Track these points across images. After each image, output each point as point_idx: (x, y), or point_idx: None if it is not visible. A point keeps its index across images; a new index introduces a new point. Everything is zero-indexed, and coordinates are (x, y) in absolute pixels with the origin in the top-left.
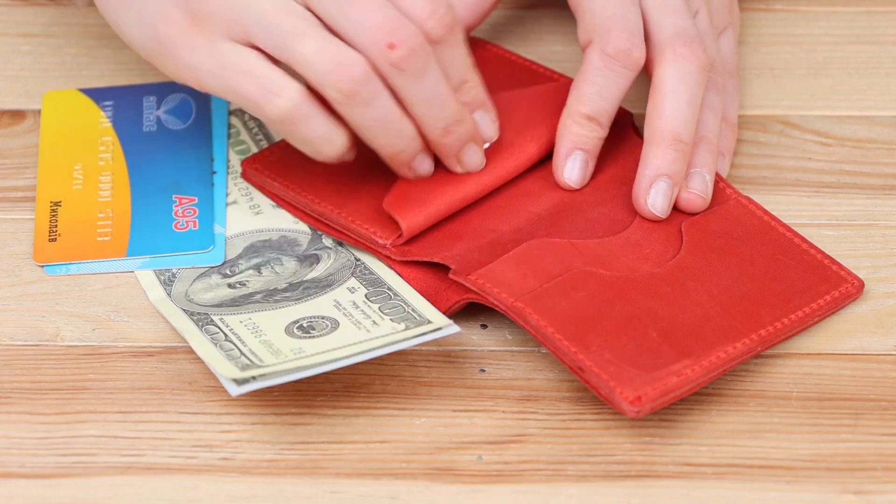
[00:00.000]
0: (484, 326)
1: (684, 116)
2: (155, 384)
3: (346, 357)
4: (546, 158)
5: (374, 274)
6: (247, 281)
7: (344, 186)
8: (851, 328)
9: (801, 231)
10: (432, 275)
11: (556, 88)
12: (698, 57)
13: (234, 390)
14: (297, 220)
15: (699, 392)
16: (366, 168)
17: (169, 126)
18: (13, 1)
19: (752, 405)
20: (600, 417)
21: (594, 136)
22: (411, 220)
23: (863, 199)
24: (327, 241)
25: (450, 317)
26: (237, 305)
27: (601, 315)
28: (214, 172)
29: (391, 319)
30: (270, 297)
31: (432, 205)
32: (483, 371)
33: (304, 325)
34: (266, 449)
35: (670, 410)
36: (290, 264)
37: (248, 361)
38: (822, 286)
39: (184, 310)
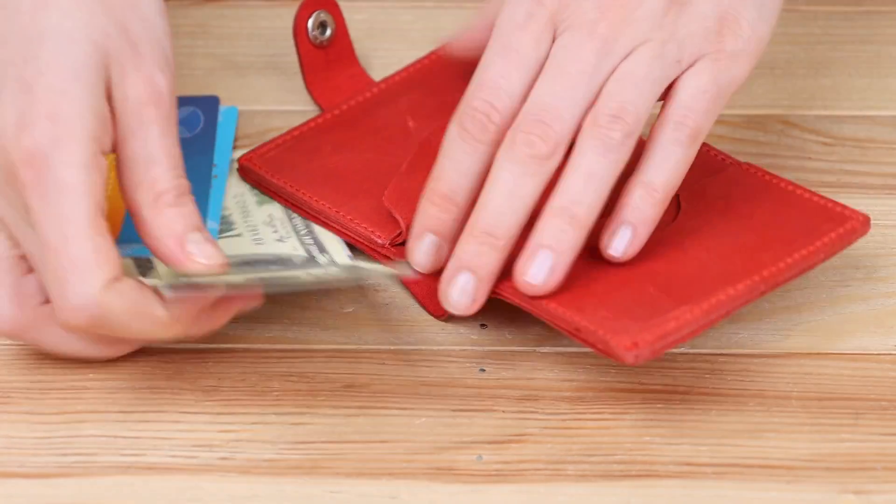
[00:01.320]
0: (483, 326)
1: (498, 209)
2: (155, 384)
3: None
4: None
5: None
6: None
7: (342, 184)
8: (851, 328)
9: None
10: (430, 276)
11: None
12: (531, 144)
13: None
14: (295, 248)
15: (699, 392)
16: (364, 167)
17: None
18: None
19: (752, 405)
20: (600, 417)
21: (448, 217)
22: (411, 218)
23: (863, 199)
24: (321, 259)
25: (447, 318)
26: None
27: (595, 281)
28: (215, 176)
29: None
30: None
31: None
32: (483, 371)
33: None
34: (266, 449)
35: (670, 410)
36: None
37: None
38: (826, 225)
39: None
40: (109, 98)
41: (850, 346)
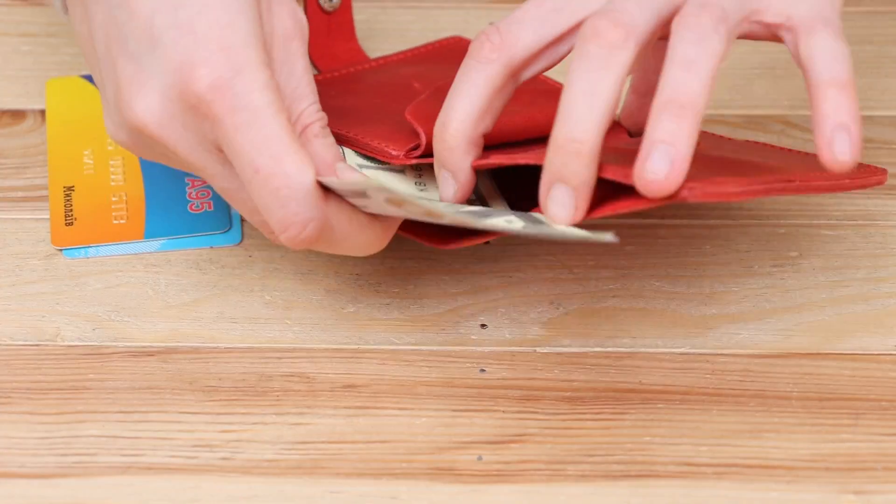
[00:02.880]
0: (484, 326)
1: (575, 112)
2: (155, 384)
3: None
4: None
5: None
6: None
7: (350, 118)
8: (851, 328)
9: (800, 231)
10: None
11: None
12: (597, 33)
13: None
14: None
15: (699, 392)
16: (371, 108)
17: None
18: (13, 1)
19: (752, 405)
20: (600, 417)
21: (443, 147)
22: (431, 135)
23: (863, 198)
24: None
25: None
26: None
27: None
28: None
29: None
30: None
31: None
32: (483, 371)
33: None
34: (266, 449)
35: (671, 410)
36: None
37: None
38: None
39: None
40: None
41: (850, 346)
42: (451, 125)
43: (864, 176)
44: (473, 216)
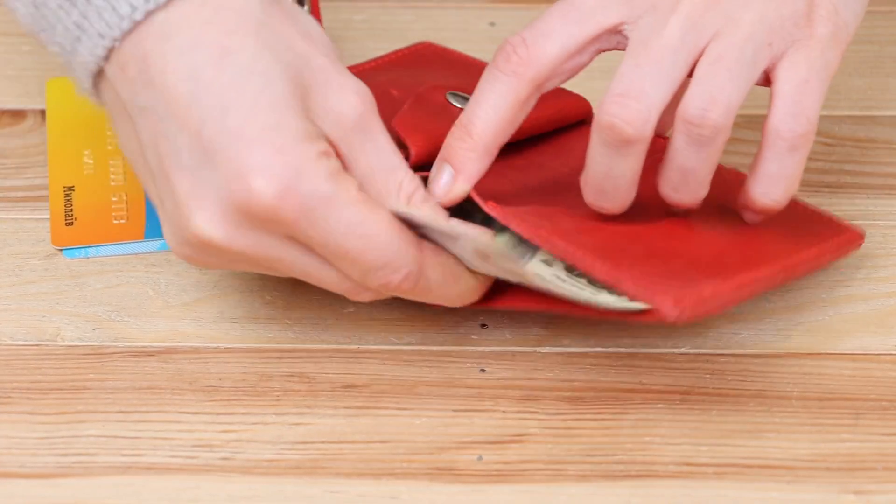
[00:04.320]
0: (484, 326)
1: (594, 188)
2: (155, 384)
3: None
4: (560, 130)
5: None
6: None
7: None
8: (851, 328)
9: None
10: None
11: None
12: (613, 127)
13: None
14: None
15: (699, 392)
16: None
17: None
18: None
19: (752, 405)
20: (600, 417)
21: (462, 146)
22: (420, 148)
23: (863, 198)
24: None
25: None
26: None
27: (624, 249)
28: None
29: (608, 292)
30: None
31: (438, 141)
32: (483, 371)
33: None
34: (266, 449)
35: (671, 410)
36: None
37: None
38: (825, 231)
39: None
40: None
41: (850, 346)
42: (474, 130)
43: (843, 246)
44: (576, 288)
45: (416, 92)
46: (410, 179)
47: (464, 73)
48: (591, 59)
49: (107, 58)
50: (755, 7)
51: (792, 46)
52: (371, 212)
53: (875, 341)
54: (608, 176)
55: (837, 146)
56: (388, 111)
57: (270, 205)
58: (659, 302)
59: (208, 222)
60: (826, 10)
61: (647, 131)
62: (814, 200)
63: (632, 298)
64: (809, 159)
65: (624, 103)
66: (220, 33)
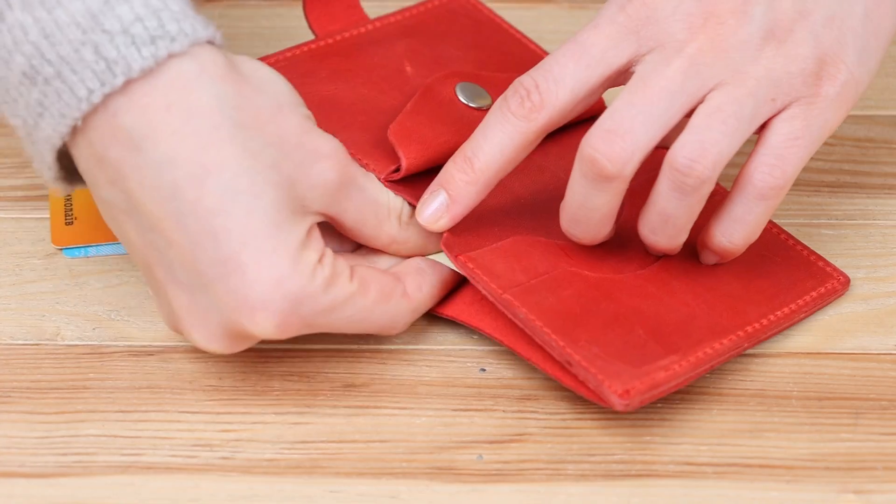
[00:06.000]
0: None
1: (572, 211)
2: (155, 384)
3: None
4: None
5: None
6: None
7: (336, 114)
8: (851, 328)
9: (799, 230)
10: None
11: None
12: (595, 162)
13: None
14: None
15: (699, 392)
16: (359, 100)
17: None
18: None
19: (752, 405)
20: (600, 417)
21: (463, 178)
22: (412, 160)
23: (862, 198)
24: None
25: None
26: None
27: (588, 312)
28: None
29: None
30: None
31: (434, 148)
32: (483, 371)
33: None
34: (266, 449)
35: (671, 410)
36: None
37: None
38: (808, 282)
39: None
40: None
41: (850, 345)
42: (477, 164)
43: (824, 297)
44: None
45: (425, 83)
46: (395, 201)
47: (488, 41)
48: (600, 96)
49: (71, 135)
50: (764, 62)
51: (795, 102)
52: (363, 296)
53: (875, 341)
54: (583, 206)
55: (837, 146)
56: (398, 90)
57: (273, 333)
58: (608, 389)
59: (207, 339)
60: (836, 69)
61: (628, 170)
62: (814, 200)
63: (580, 383)
64: (809, 159)
65: (609, 140)
66: (196, 148)
